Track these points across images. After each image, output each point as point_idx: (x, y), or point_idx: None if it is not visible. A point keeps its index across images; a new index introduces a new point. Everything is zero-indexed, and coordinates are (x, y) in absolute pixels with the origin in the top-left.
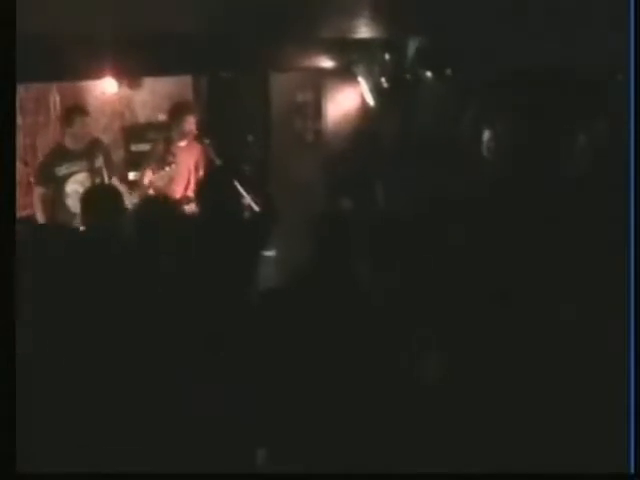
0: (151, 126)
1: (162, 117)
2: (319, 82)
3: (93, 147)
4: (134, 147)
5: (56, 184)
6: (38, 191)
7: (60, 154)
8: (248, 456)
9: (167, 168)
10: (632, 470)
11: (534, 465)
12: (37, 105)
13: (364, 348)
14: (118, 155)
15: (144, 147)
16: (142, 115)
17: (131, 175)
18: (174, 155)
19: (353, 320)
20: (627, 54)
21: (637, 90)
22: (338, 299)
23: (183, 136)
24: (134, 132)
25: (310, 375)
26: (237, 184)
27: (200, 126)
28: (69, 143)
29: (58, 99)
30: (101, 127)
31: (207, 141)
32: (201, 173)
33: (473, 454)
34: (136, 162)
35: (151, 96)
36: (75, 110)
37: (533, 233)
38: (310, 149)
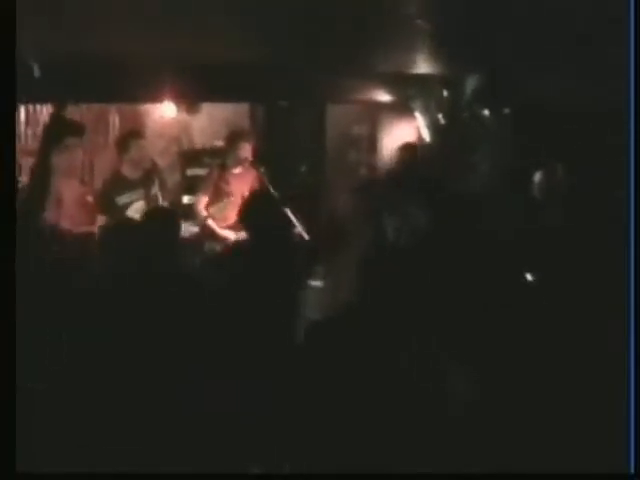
0: (207, 151)
1: (218, 143)
2: (375, 115)
3: (150, 173)
4: (189, 172)
5: (117, 213)
6: (100, 220)
7: (120, 183)
8: (254, 456)
9: (225, 200)
10: (632, 470)
11: (534, 465)
12: (96, 125)
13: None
14: (173, 179)
15: (199, 172)
16: (199, 140)
17: (185, 199)
18: (227, 182)
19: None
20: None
21: (637, 99)
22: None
23: (238, 163)
24: (190, 157)
25: (322, 380)
26: (289, 213)
27: (255, 154)
28: (127, 171)
29: (117, 120)
30: (157, 151)
31: (262, 169)
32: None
33: (473, 454)
34: (191, 187)
35: (208, 122)
36: (131, 134)
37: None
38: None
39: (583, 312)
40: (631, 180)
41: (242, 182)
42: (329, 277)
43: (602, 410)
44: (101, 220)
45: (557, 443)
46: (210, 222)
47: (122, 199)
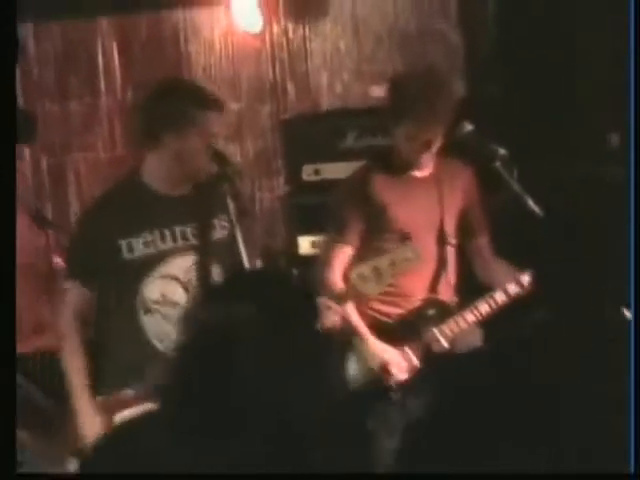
0: (344, 118)
1: (375, 93)
2: None
3: (210, 183)
4: (311, 172)
5: (121, 279)
6: (72, 292)
7: (137, 203)
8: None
9: (394, 247)
10: (632, 470)
11: (534, 465)
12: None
13: None
14: (271, 194)
15: (333, 170)
16: (327, 96)
17: (303, 245)
18: (403, 199)
19: None
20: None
21: (637, 92)
22: None
23: (421, 151)
24: (307, 138)
25: None
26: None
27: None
28: (161, 178)
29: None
30: (230, 126)
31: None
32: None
33: (473, 454)
34: (313, 211)
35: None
36: (198, 95)
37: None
38: None
39: (583, 310)
40: (631, 180)
41: (433, 204)
42: None
43: (602, 409)
44: (76, 291)
45: (557, 443)
46: (351, 310)
47: (136, 245)
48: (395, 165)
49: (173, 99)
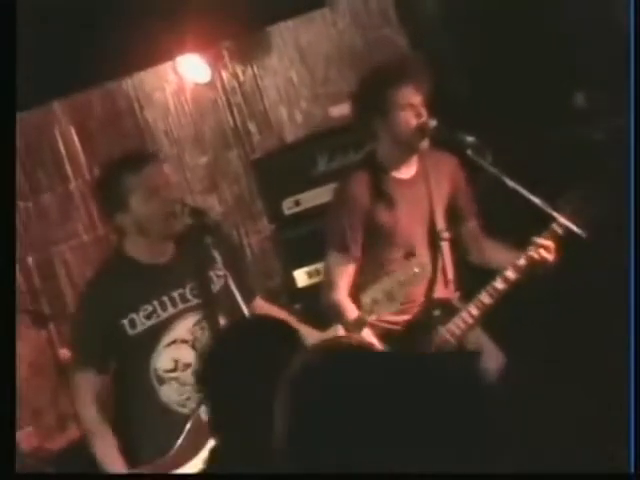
0: (303, 146)
1: (334, 113)
2: None
3: (191, 235)
4: (291, 205)
5: (131, 356)
6: (85, 379)
7: (129, 279)
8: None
9: (415, 269)
10: (632, 470)
11: (534, 465)
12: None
13: None
14: (259, 235)
15: (312, 198)
16: (290, 127)
17: (300, 277)
18: (390, 203)
19: None
20: None
21: (637, 98)
22: None
23: (401, 149)
24: (280, 168)
25: None
26: None
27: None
28: (144, 249)
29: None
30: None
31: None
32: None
33: (472, 454)
34: (303, 242)
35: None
36: (129, 161)
37: None
38: None
39: (583, 311)
40: (631, 181)
41: (422, 202)
42: None
43: (602, 410)
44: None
45: (557, 443)
46: (366, 333)
47: (138, 319)
48: (381, 169)
49: (113, 180)
